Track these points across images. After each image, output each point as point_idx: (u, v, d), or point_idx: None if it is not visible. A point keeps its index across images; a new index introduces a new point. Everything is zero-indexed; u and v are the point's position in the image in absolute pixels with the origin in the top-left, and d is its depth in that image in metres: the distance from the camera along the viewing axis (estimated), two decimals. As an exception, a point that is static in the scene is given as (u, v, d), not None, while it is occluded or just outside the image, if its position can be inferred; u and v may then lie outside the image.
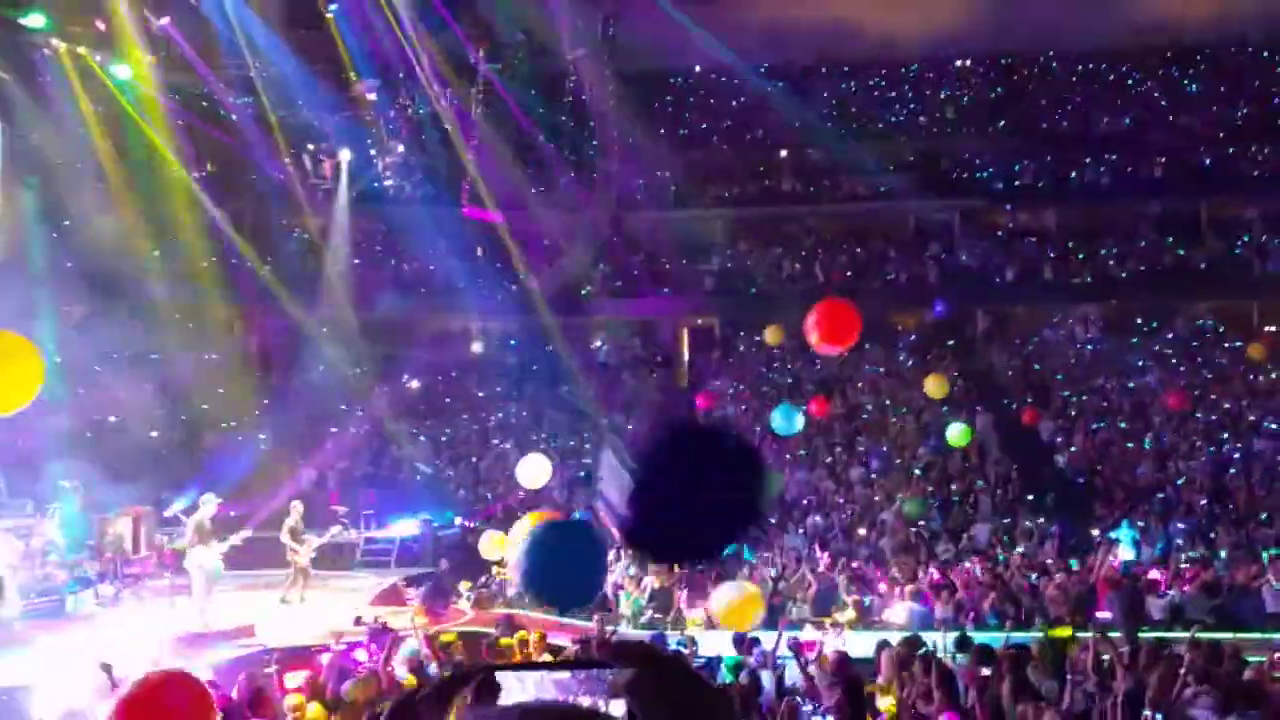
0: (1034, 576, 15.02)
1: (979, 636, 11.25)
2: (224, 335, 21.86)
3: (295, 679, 10.46)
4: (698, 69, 27.26)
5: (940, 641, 10.89)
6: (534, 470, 13.76)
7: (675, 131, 24.23)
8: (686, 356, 26.32)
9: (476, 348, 25.58)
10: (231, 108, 20.63)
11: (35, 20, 17.39)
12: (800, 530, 18.24)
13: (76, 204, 18.90)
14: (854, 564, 16.05)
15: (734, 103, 27.32)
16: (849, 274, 25.46)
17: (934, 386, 19.20)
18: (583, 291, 25.10)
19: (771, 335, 21.15)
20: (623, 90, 22.41)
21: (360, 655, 11.36)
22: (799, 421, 16.15)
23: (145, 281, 20.00)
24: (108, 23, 18.49)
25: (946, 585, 15.02)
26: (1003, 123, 26.38)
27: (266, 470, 18.45)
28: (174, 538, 14.70)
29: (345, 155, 22.16)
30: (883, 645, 10.18)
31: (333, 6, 19.56)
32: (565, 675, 2.30)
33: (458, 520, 19.40)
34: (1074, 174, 25.79)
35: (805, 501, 19.69)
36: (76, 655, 10.47)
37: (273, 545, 16.32)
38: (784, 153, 26.71)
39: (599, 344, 26.17)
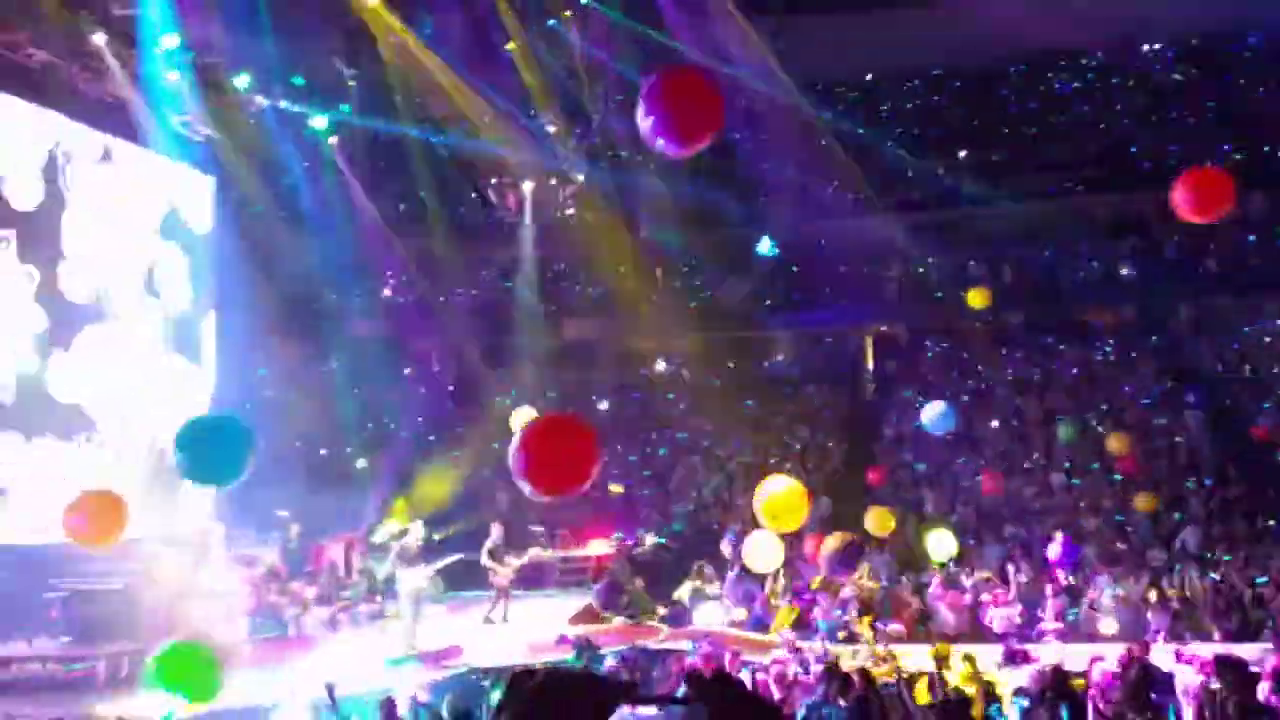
0: (1261, 581, 14.20)
1: (1198, 649, 10.73)
2: (420, 365, 22.82)
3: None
4: (869, 77, 26.94)
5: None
6: (764, 552, 12.93)
7: (851, 139, 23.91)
8: (871, 366, 25.92)
9: (659, 367, 25.87)
10: (419, 147, 21.57)
11: (242, 81, 18.66)
12: (1000, 541, 17.69)
13: (283, 247, 20.11)
14: (1058, 574, 15.49)
15: (909, 106, 26.85)
16: (1039, 273, 24.61)
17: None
18: (763, 304, 25.07)
19: (976, 298, 20.38)
20: (795, 101, 22.27)
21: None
22: (949, 422, 15.73)
23: (347, 317, 21.12)
24: (305, 77, 19.67)
25: (1159, 594, 14.35)
26: (1194, 108, 24.99)
27: (467, 493, 19.17)
28: (383, 562, 15.41)
29: (528, 186, 22.84)
30: (1096, 659, 9.84)
31: (511, 45, 20.21)
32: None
33: (649, 539, 19.66)
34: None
35: (1003, 510, 19.10)
36: (302, 676, 11.16)
37: (475, 567, 16.92)
38: (963, 153, 26.03)
39: (780, 357, 26.06)
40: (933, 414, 15.36)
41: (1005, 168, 24.87)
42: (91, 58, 16.36)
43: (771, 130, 23.08)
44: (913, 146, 24.74)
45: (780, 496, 10.23)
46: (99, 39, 16.27)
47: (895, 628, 14.29)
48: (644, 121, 6.32)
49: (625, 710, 2.30)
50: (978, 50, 23.75)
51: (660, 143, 6.38)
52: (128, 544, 15.04)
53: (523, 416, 14.97)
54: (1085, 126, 25.48)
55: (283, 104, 19.53)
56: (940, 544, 14.93)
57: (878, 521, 14.62)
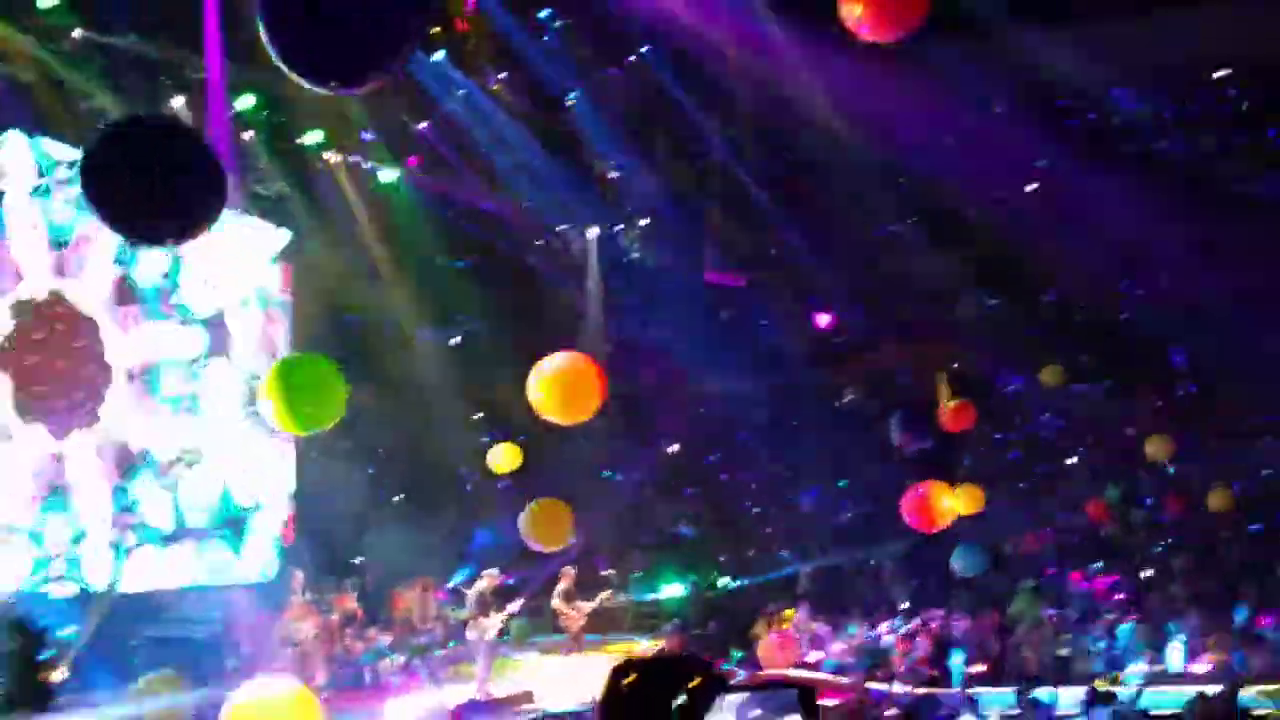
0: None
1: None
2: (492, 411, 22.94)
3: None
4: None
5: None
6: None
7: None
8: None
9: (727, 410, 25.74)
10: (485, 198, 21.91)
11: (314, 138, 19.19)
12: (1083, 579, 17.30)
13: (357, 300, 20.49)
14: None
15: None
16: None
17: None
18: (832, 342, 24.91)
19: (1050, 375, 20.00)
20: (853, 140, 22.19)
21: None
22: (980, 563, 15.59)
23: (415, 363, 21.41)
24: (374, 132, 20.15)
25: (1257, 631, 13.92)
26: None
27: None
28: (457, 608, 15.50)
29: (592, 233, 23.05)
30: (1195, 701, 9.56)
31: (572, 95, 20.51)
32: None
33: (721, 581, 19.54)
34: None
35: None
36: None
37: (547, 611, 16.98)
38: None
39: (850, 395, 25.79)
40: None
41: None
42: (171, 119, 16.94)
43: (835, 171, 22.98)
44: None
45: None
46: (177, 102, 16.86)
47: (978, 669, 14.05)
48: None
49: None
50: None
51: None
52: (208, 593, 15.45)
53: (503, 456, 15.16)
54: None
55: (353, 159, 20.01)
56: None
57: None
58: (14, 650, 11.19)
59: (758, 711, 2.25)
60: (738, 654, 15.93)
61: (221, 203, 4.82)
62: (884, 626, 16.42)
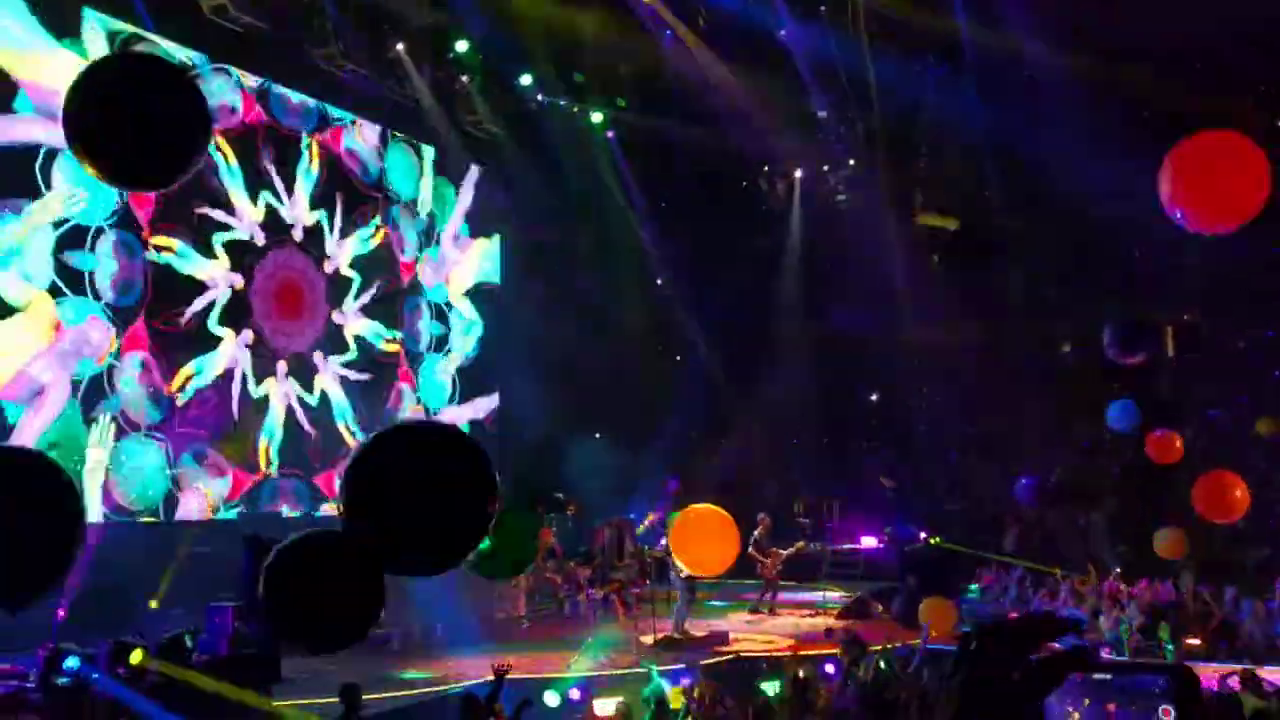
0: None
1: None
2: (689, 354, 23.07)
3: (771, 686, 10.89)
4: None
5: None
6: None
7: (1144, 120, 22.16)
8: (1171, 358, 24.01)
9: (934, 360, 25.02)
10: (690, 140, 21.84)
11: (525, 79, 19.55)
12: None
13: (562, 242, 20.88)
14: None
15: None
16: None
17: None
18: (1048, 293, 23.78)
19: (1266, 426, 18.56)
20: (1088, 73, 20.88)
21: (829, 668, 11.56)
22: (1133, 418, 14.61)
23: (616, 306, 21.66)
24: (583, 74, 20.35)
25: None
26: None
27: (738, 483, 19.27)
28: (654, 546, 15.75)
29: (798, 174, 22.66)
30: None
31: (782, 31, 20.08)
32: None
33: (922, 535, 19.13)
34: None
35: None
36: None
37: (742, 557, 17.02)
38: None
39: (1066, 348, 24.60)
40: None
41: None
42: (395, 66, 17.57)
43: (1063, 107, 21.75)
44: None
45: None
46: (400, 48, 17.45)
47: (1192, 642, 13.30)
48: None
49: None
50: None
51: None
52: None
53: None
54: None
55: (562, 101, 20.28)
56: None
57: (1170, 546, 13.74)
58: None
59: (1116, 700, 2.13)
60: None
61: (206, 139, 4.67)
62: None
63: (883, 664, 10.30)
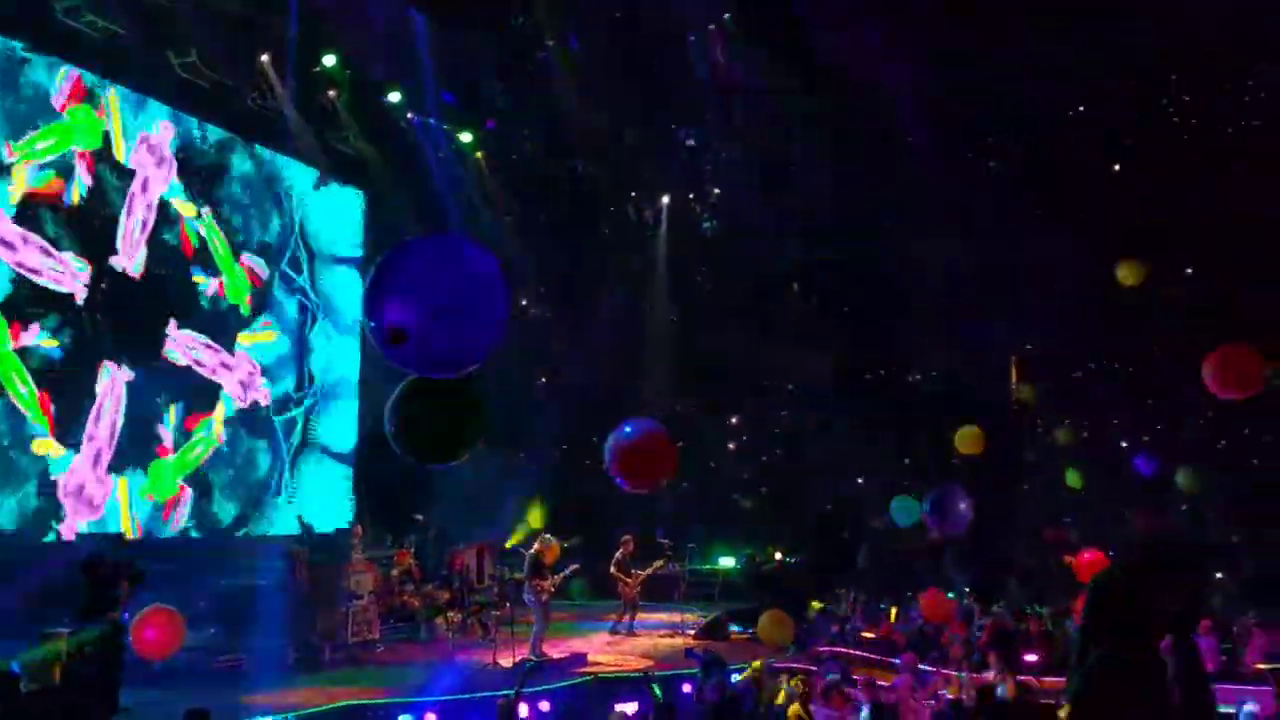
0: None
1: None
2: (556, 377, 23.11)
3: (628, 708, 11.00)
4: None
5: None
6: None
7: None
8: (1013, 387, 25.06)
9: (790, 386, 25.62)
10: (561, 162, 21.97)
11: (394, 97, 19.38)
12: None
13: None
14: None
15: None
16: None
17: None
18: (905, 319, 24.59)
19: (1127, 273, 18.81)
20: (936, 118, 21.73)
21: (686, 688, 11.74)
22: (914, 514, 15.50)
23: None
24: (455, 93, 20.29)
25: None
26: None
27: (596, 504, 19.38)
28: (513, 570, 15.74)
29: (665, 200, 22.98)
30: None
31: (651, 61, 20.39)
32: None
33: (778, 554, 19.57)
34: None
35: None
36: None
37: (603, 578, 17.19)
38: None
39: (915, 378, 25.44)
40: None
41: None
42: (258, 76, 17.25)
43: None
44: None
45: None
46: (265, 58, 17.14)
47: (1031, 658, 13.92)
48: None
49: None
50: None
51: None
52: (271, 543, 15.89)
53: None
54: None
55: (431, 120, 20.17)
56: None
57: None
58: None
59: None
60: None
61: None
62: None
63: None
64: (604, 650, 15.08)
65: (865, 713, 10.67)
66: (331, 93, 18.59)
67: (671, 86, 20.90)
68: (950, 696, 11.67)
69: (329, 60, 18.18)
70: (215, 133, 17.42)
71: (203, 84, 16.44)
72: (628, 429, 8.73)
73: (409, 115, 19.86)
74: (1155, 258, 19.38)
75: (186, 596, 12.70)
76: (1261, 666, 13.50)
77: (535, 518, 20.05)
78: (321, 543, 15.70)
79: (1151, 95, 20.84)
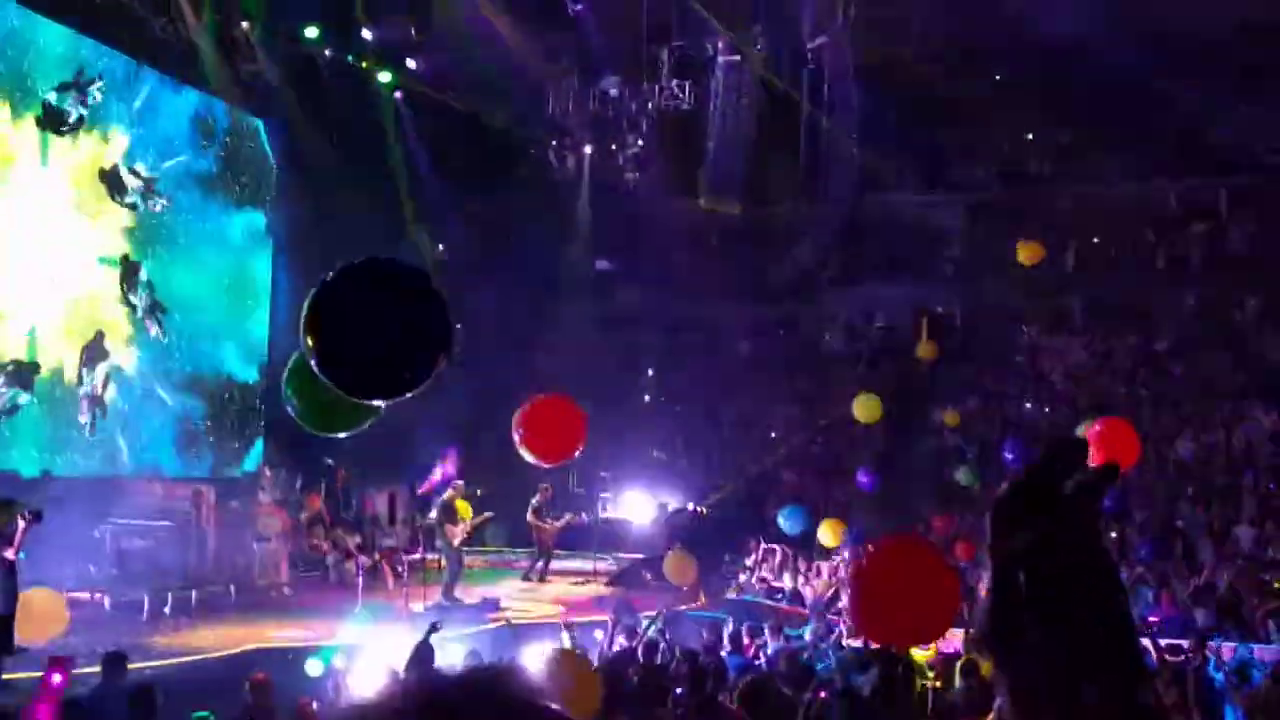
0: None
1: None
2: (473, 325, 22.80)
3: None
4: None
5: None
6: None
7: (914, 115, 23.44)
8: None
9: (709, 338, 25.78)
10: (479, 107, 21.59)
11: (311, 33, 18.81)
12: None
13: (340, 202, 20.18)
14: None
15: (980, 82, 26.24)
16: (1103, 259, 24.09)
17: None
18: (815, 280, 24.88)
19: (1025, 253, 19.08)
20: (861, 75, 21.89)
21: (598, 635, 11.78)
22: (802, 523, 15.97)
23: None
24: (373, 32, 19.76)
25: (1207, 589, 14.17)
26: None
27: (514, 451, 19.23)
28: (425, 515, 15.62)
29: (587, 150, 22.78)
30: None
31: (577, 5, 20.12)
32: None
33: (690, 505, 19.74)
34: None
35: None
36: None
37: (519, 525, 17.15)
38: (1030, 135, 25.52)
39: (829, 335, 25.81)
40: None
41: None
42: (169, 4, 16.59)
43: (837, 100, 22.68)
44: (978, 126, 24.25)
45: None
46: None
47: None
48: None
49: None
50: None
51: None
52: (178, 484, 15.48)
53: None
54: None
55: (349, 58, 19.65)
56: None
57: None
58: None
59: None
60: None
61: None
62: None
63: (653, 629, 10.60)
64: (517, 597, 15.08)
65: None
66: (245, 24, 17.98)
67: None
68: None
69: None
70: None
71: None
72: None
73: (325, 52, 19.33)
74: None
75: (90, 537, 12.37)
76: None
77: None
78: (228, 485, 15.39)
79: None
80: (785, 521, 16.21)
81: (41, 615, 9.43)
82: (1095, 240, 24.49)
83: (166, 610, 12.35)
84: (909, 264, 24.55)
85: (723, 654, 10.45)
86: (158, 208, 16.45)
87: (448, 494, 14.38)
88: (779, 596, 15.52)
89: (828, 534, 15.15)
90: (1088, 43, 19.81)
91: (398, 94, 20.66)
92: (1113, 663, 0.81)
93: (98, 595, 12.23)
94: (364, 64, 19.91)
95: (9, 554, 9.19)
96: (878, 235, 24.92)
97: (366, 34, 19.71)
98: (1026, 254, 18.89)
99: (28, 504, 9.55)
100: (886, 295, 24.85)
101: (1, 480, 12.86)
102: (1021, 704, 0.83)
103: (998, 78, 23.64)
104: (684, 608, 14.24)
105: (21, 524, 9.22)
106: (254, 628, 11.99)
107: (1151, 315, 23.86)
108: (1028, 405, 22.87)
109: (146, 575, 12.81)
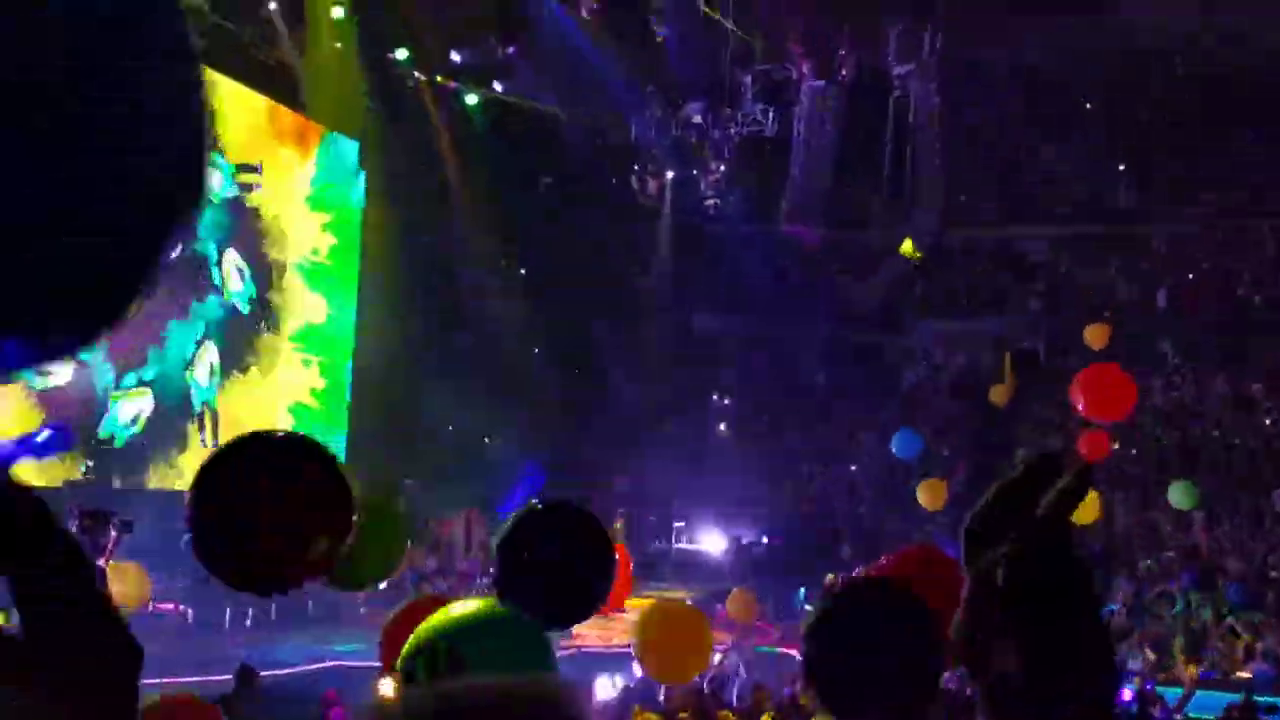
0: None
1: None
2: (553, 346, 22.83)
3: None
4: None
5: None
6: None
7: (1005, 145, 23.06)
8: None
9: (790, 365, 25.53)
10: (568, 129, 21.69)
11: (401, 54, 19.06)
12: (1133, 576, 17.00)
13: (432, 222, 20.35)
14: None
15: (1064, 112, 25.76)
16: (1194, 297, 23.37)
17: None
18: (899, 311, 24.53)
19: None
20: (948, 105, 21.61)
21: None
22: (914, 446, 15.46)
23: (482, 292, 21.21)
24: (461, 54, 19.98)
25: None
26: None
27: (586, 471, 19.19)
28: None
29: (669, 175, 22.76)
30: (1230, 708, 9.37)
31: (663, 30, 20.16)
32: None
33: (765, 539, 19.52)
34: None
35: (1135, 542, 18.34)
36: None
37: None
38: (1122, 166, 24.91)
39: (915, 365, 25.42)
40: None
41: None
42: (264, 24, 16.92)
43: (922, 133, 22.44)
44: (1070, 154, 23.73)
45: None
46: (273, 6, 16.81)
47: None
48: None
49: None
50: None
51: None
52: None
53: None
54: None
55: (439, 79, 19.87)
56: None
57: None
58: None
59: None
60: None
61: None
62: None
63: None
64: (590, 624, 14.91)
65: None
66: (337, 45, 18.25)
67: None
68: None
69: (337, 13, 17.83)
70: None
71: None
72: None
73: (415, 74, 19.57)
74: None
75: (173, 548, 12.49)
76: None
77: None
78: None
79: None
80: (898, 445, 15.88)
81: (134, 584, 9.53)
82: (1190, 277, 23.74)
83: (247, 623, 12.45)
84: (994, 297, 24.08)
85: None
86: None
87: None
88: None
89: (927, 496, 14.55)
90: (1179, 80, 19.45)
91: (483, 115, 20.84)
92: (1087, 674, 0.83)
93: (181, 607, 12.36)
94: (452, 84, 20.12)
95: (100, 563, 9.32)
96: (962, 267, 24.52)
97: (455, 56, 19.95)
98: (1094, 337, 18.01)
99: (119, 514, 9.67)
100: (969, 328, 24.38)
101: (95, 491, 13.10)
102: (998, 716, 0.84)
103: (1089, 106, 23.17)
104: (755, 642, 14.04)
105: (113, 534, 9.34)
106: (329, 645, 12.05)
107: (1247, 358, 23.11)
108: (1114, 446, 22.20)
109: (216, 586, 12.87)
